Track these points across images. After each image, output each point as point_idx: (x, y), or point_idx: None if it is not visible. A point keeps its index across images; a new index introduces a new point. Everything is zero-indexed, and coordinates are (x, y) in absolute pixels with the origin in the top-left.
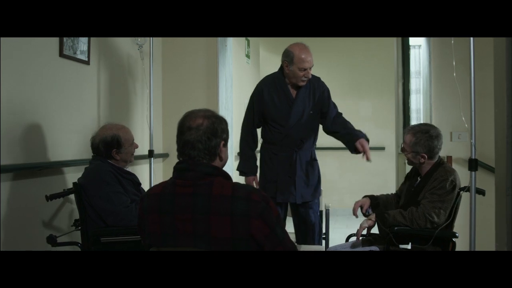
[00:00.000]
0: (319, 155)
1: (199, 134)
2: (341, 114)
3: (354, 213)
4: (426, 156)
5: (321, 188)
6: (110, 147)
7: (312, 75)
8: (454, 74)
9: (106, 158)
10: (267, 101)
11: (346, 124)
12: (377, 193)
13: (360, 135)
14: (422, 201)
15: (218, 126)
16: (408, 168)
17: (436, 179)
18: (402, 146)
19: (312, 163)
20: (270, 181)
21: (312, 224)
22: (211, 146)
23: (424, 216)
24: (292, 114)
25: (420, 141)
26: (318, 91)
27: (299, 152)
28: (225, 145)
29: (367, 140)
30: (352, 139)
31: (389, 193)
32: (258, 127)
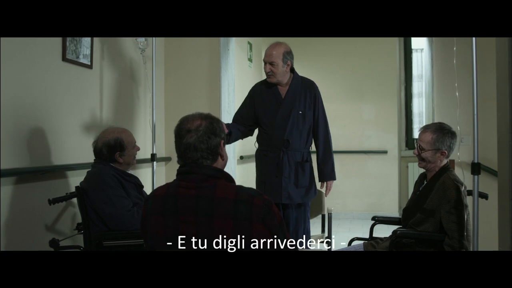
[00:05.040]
0: None
1: (199, 134)
2: (327, 134)
3: None
4: (446, 153)
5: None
6: (114, 150)
7: (306, 79)
8: (456, 85)
9: (109, 162)
10: (258, 101)
11: (329, 159)
12: (379, 196)
13: (333, 176)
14: (447, 227)
15: (216, 125)
16: (411, 170)
17: (443, 191)
18: (418, 146)
19: (303, 164)
20: (260, 181)
21: (297, 226)
22: (213, 146)
23: (460, 241)
24: (279, 113)
25: (441, 138)
26: (310, 94)
27: (287, 152)
28: (225, 144)
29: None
30: (324, 176)
31: None
32: (245, 127)
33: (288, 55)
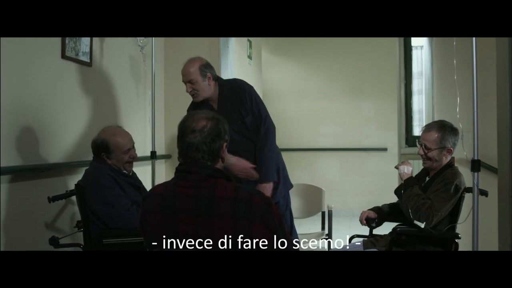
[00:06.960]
0: (320, 156)
1: (203, 136)
2: (268, 131)
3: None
4: (452, 151)
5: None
6: (99, 150)
7: (235, 82)
8: (455, 77)
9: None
10: None
11: (266, 158)
12: (378, 194)
13: (270, 177)
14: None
15: (222, 127)
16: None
17: (442, 181)
18: (423, 145)
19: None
20: None
21: None
22: (215, 148)
23: (428, 215)
24: None
25: (446, 135)
26: (242, 98)
27: None
28: (227, 146)
29: (272, 180)
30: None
31: (394, 202)
32: None
33: (205, 68)
